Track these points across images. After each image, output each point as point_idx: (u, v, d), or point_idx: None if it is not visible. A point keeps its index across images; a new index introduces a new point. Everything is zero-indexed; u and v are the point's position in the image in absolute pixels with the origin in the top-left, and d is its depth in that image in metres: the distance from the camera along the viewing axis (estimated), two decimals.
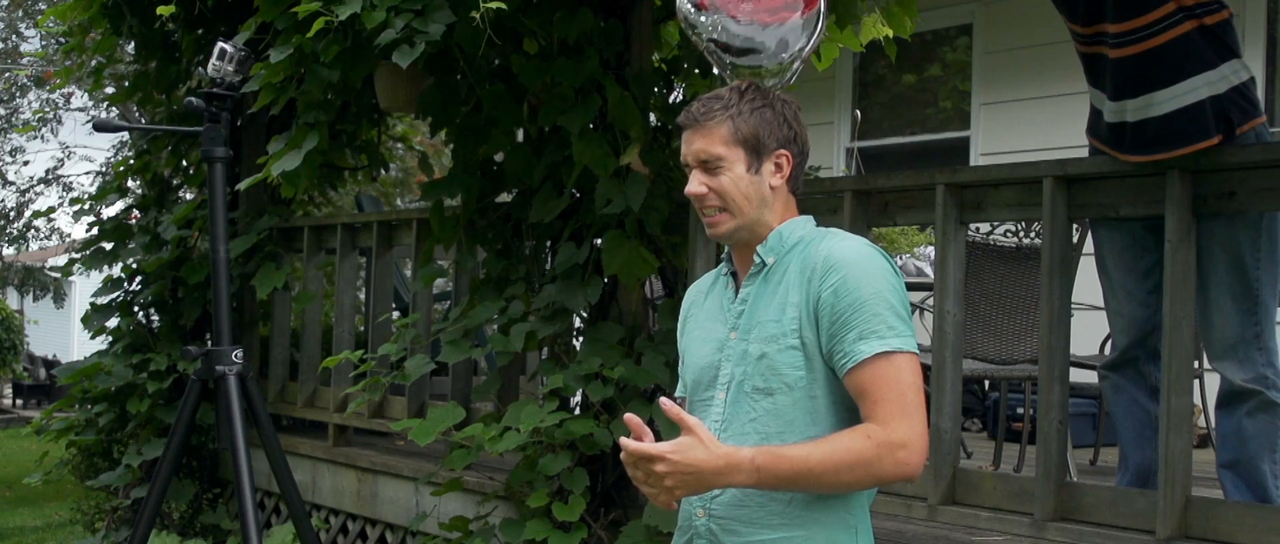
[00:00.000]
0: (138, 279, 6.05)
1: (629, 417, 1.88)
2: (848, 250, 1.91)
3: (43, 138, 17.17)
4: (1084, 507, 3.19)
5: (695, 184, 1.98)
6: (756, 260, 1.99)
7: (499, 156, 4.34)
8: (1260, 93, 5.81)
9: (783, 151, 1.99)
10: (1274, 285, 3.23)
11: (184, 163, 6.09)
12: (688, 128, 2.00)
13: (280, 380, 5.84)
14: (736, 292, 2.04)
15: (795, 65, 2.22)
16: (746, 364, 1.95)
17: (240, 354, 3.40)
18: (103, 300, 6.05)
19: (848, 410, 1.90)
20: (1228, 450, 3.26)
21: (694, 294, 2.19)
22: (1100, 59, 3.29)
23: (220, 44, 3.49)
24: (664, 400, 1.86)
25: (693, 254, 3.90)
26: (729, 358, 1.99)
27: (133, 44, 5.83)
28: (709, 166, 1.97)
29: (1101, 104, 3.32)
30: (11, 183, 18.39)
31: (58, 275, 18.24)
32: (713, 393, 2.01)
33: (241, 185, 4.68)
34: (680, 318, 2.20)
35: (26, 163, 18.63)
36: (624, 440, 1.83)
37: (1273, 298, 3.23)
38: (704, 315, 2.11)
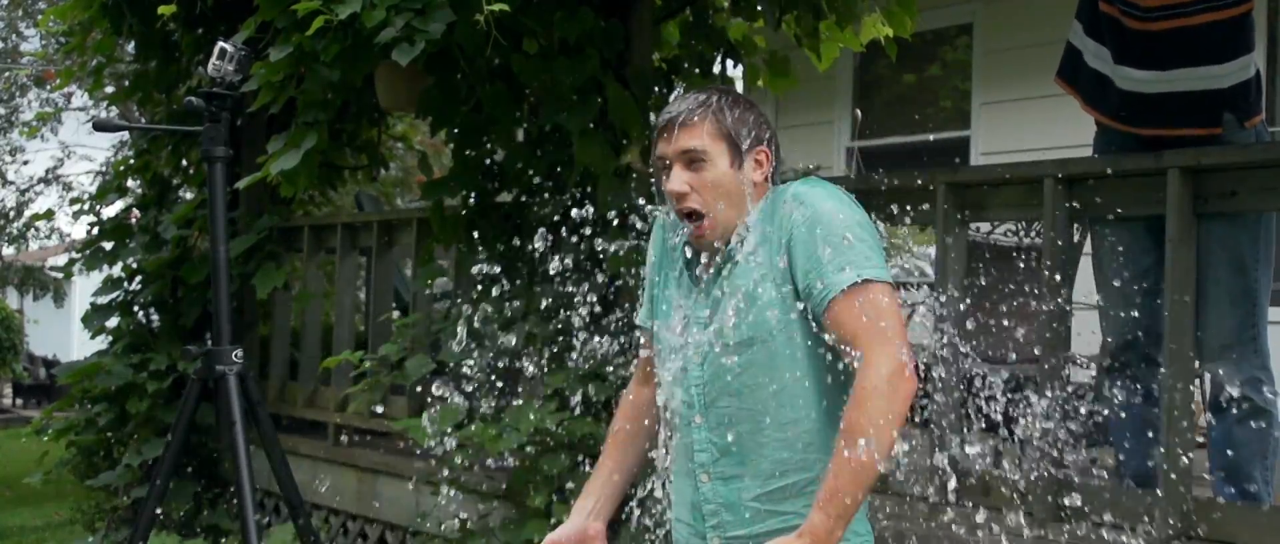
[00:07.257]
0: (138, 279, 6.06)
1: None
2: (816, 189, 1.92)
3: (43, 138, 17.20)
4: (1085, 507, 3.18)
5: (677, 181, 1.94)
6: (740, 228, 1.97)
7: (499, 156, 4.34)
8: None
9: (762, 149, 1.98)
10: (1268, 288, 3.23)
11: (184, 162, 6.09)
12: (667, 126, 1.97)
13: (280, 380, 5.84)
14: (706, 259, 2.01)
15: None
16: (722, 324, 1.93)
17: (240, 354, 3.39)
18: (103, 300, 6.05)
19: (825, 347, 1.88)
20: (1219, 456, 3.25)
21: (659, 252, 2.15)
22: (1123, 29, 3.28)
23: (220, 43, 3.48)
24: None
25: None
26: (699, 322, 1.98)
27: (133, 44, 5.83)
28: (693, 162, 1.94)
29: (1105, 66, 3.31)
30: (11, 183, 18.40)
31: (58, 275, 18.25)
32: (686, 356, 1.99)
33: (240, 184, 4.67)
34: (649, 263, 2.17)
35: (26, 163, 18.71)
36: None
37: (1267, 300, 3.23)
38: (670, 279, 2.09)
